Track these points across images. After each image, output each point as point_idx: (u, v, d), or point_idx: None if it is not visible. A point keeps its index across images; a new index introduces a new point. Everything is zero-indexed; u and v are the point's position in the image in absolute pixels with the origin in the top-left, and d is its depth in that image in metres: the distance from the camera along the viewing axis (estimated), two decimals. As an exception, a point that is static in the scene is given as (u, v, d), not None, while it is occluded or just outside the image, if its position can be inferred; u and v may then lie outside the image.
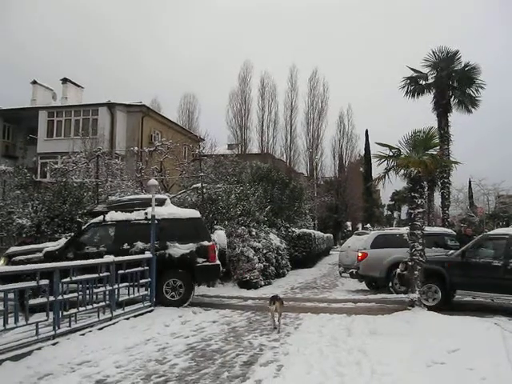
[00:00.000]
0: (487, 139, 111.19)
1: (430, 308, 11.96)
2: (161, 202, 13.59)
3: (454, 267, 12.51)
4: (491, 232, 13.85)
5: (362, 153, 64.53)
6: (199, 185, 20.07)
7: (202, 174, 21.39)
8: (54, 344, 8.22)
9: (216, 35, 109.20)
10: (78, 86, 36.89)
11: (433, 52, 27.85)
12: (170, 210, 13.64)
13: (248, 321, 10.97)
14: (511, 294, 11.93)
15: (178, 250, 12.92)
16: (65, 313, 8.91)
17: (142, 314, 11.22)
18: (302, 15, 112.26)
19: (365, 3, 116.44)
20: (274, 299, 9.89)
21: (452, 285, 12.48)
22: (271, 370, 6.96)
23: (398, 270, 13.34)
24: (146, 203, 13.14)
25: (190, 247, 13.00)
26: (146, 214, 12.92)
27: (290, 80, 54.96)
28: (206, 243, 13.18)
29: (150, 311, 11.61)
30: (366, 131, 65.84)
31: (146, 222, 12.79)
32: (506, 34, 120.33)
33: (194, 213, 14.15)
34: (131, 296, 11.20)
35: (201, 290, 15.97)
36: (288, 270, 22.38)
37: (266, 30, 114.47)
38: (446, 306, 12.33)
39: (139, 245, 12.75)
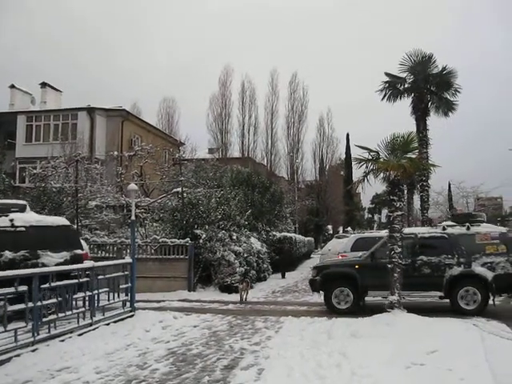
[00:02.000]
0: (468, 143, 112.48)
1: (342, 311, 12.32)
2: (21, 208, 12.37)
3: (365, 269, 12.75)
4: (380, 232, 14.07)
5: (343, 156, 64.63)
6: (179, 189, 20.03)
7: (183, 178, 21.36)
8: (33, 351, 8.15)
9: (196, 39, 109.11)
10: (57, 90, 36.50)
11: (408, 56, 28.02)
12: (36, 217, 12.43)
13: (229, 325, 10.98)
14: (421, 291, 12.53)
15: (51, 259, 11.69)
16: (44, 319, 8.84)
17: (122, 319, 11.18)
18: (283, 20, 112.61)
19: (345, 9, 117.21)
20: (242, 281, 14.23)
21: (363, 286, 12.70)
22: (252, 373, 6.99)
23: (310, 276, 13.45)
24: (4, 209, 11.88)
25: (63, 256, 11.94)
26: (12, 220, 11.56)
27: (271, 84, 54.92)
28: (79, 251, 12.46)
29: (130, 316, 11.57)
30: (347, 135, 66.01)
31: (12, 229, 11.46)
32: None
33: (63, 220, 13.20)
34: (111, 301, 11.14)
35: (182, 294, 15.97)
36: (269, 274, 22.39)
37: (246, 34, 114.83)
38: (358, 308, 12.63)
39: (7, 254, 11.10)
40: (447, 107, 27.90)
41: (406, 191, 30.72)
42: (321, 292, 13.37)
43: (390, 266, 11.50)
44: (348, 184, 45.19)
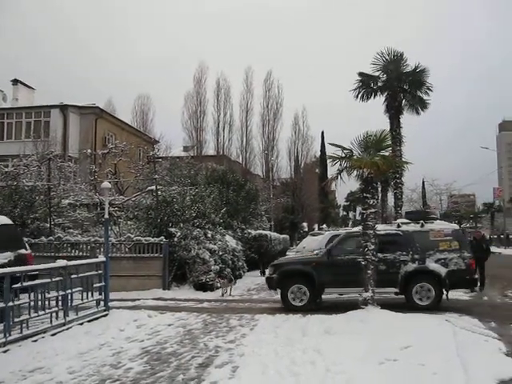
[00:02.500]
0: (444, 141, 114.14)
1: (297, 308, 12.43)
2: None
3: (321, 266, 12.93)
4: (353, 229, 14.37)
5: (318, 154, 64.96)
6: (154, 187, 19.93)
7: (157, 176, 21.23)
8: (4, 351, 8.03)
9: (172, 38, 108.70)
10: (29, 87, 36.00)
11: (380, 55, 28.23)
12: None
13: (204, 323, 10.97)
14: (377, 288, 12.36)
15: None
16: (16, 319, 8.72)
17: (96, 318, 11.07)
18: (259, 19, 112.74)
19: (320, 9, 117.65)
20: (224, 277, 16.46)
21: (320, 284, 12.85)
22: (226, 371, 6.99)
23: (267, 274, 13.55)
24: None
25: (7, 256, 11.42)
26: None
27: (246, 82, 54.84)
28: (23, 251, 12.14)
29: (104, 315, 11.47)
30: (322, 133, 66.33)
31: None
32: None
33: (5, 219, 12.66)
34: (85, 300, 11.04)
35: (156, 293, 15.91)
36: (244, 272, 22.38)
37: (222, 33, 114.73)
38: (314, 306, 12.80)
39: None
40: (420, 105, 28.22)
41: (379, 189, 31.08)
42: (277, 290, 13.40)
43: (363, 262, 11.62)
44: (323, 182, 45.26)
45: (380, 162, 11.61)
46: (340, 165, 12.28)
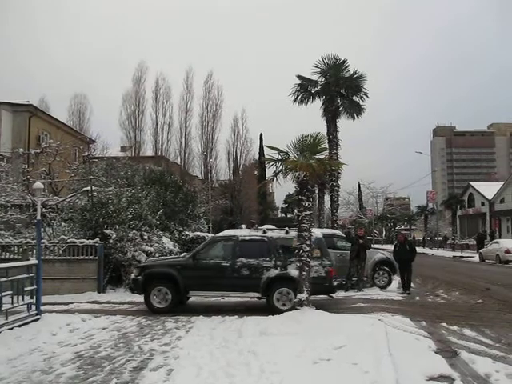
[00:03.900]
0: (384, 148, 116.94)
1: (159, 310, 12.65)
2: None
3: (186, 269, 13.13)
4: (220, 234, 14.80)
5: (257, 156, 65.28)
6: (89, 188, 19.56)
7: (92, 176, 20.85)
8: None
9: (111, 37, 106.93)
10: (-42, 83, 34.77)
11: (322, 59, 28.76)
12: None
13: (139, 326, 10.85)
14: (240, 292, 13.02)
15: None
16: None
17: (27, 323, 10.72)
18: (200, 19, 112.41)
19: (263, 11, 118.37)
20: None
21: (185, 286, 13.06)
22: (161, 374, 6.97)
23: (133, 275, 13.69)
24: None
25: None
26: None
27: (186, 82, 54.47)
28: None
29: (36, 320, 11.15)
30: (261, 135, 66.71)
31: None
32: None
33: None
34: (15, 305, 10.71)
35: (91, 296, 15.62)
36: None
37: (162, 33, 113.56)
38: (178, 308, 13.03)
39: None
40: (356, 110, 28.89)
41: (317, 191, 31.63)
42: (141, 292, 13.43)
43: (298, 264, 11.78)
44: (262, 182, 45.60)
45: (315, 165, 11.81)
46: (276, 167, 12.43)
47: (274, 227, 13.71)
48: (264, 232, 13.38)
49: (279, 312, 11.95)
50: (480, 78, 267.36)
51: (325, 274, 12.84)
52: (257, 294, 12.88)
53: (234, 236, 13.52)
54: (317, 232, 14.08)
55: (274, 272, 12.71)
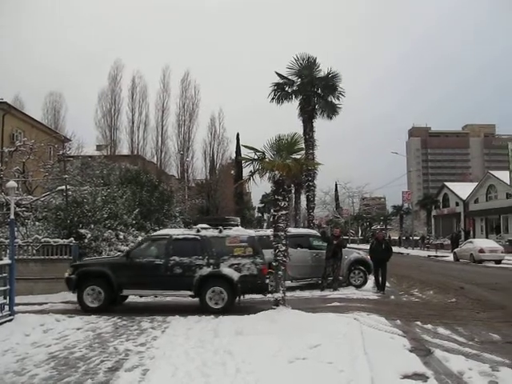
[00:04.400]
0: (362, 148, 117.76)
1: (92, 309, 12.69)
2: None
3: (120, 268, 13.20)
4: (155, 233, 15.00)
5: (234, 156, 65.29)
6: (64, 187, 19.37)
7: (67, 175, 20.64)
8: None
9: (89, 34, 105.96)
10: None
11: (295, 60, 28.79)
12: None
13: (114, 326, 10.77)
14: (173, 290, 13.16)
15: None
16: None
17: (0, 323, 10.61)
18: (177, 18, 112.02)
19: (241, 12, 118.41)
20: None
21: (118, 285, 13.09)
22: (136, 374, 6.93)
23: (66, 274, 13.67)
24: None
25: None
26: None
27: (163, 81, 54.07)
28: None
29: (9, 320, 11.01)
30: (237, 134, 66.78)
31: None
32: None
33: None
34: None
35: (66, 296, 15.42)
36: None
37: (138, 31, 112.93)
38: (113, 307, 13.15)
39: None
40: (331, 110, 29.00)
41: (293, 191, 31.70)
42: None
43: (274, 263, 11.80)
44: (238, 182, 45.64)
45: (291, 165, 11.85)
46: (253, 167, 12.44)
47: (208, 226, 13.72)
48: (198, 231, 13.44)
49: (212, 311, 12.21)
50: (457, 80, 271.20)
51: (257, 272, 12.86)
52: (189, 293, 12.93)
53: (167, 235, 13.61)
54: (249, 231, 14.36)
55: (206, 270, 12.80)
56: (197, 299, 12.91)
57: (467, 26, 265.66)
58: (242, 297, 13.10)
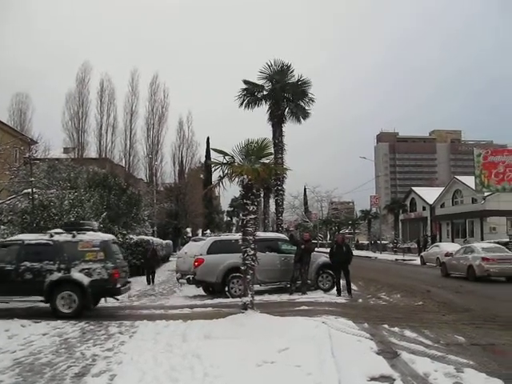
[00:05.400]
0: (331, 154, 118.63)
1: None
2: None
3: None
4: (8, 238, 14.98)
5: (203, 159, 65.16)
6: (30, 190, 19.10)
7: (33, 178, 20.35)
8: None
9: (55, 37, 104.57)
10: None
11: (268, 65, 29.01)
12: None
13: (81, 331, 10.64)
14: (23, 296, 13.08)
15: None
16: None
17: (-38, 330, 10.41)
18: (145, 20, 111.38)
19: (211, 14, 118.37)
20: None
21: None
22: (103, 380, 6.87)
23: None
24: None
25: None
26: None
27: (131, 84, 53.82)
28: None
29: (-28, 326, 10.80)
30: (207, 138, 66.75)
31: None
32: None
33: None
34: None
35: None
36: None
37: (106, 33, 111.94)
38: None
39: None
40: (302, 114, 29.26)
41: (262, 195, 31.80)
42: None
43: (243, 267, 11.79)
44: (207, 187, 45.57)
45: (260, 169, 11.86)
46: (222, 171, 12.42)
47: (62, 231, 13.70)
48: (51, 236, 13.39)
49: (63, 316, 12.24)
50: (426, 89, 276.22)
51: (108, 277, 12.92)
52: (40, 298, 12.86)
53: (19, 240, 13.52)
54: (102, 234, 14.21)
55: (56, 275, 12.78)
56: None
57: (433, 42, 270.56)
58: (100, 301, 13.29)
